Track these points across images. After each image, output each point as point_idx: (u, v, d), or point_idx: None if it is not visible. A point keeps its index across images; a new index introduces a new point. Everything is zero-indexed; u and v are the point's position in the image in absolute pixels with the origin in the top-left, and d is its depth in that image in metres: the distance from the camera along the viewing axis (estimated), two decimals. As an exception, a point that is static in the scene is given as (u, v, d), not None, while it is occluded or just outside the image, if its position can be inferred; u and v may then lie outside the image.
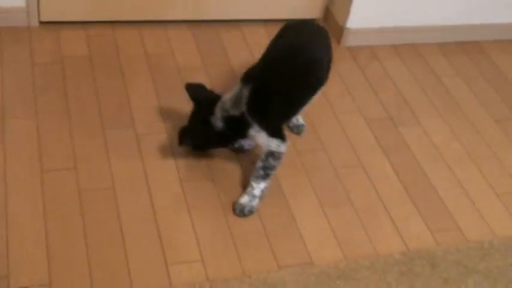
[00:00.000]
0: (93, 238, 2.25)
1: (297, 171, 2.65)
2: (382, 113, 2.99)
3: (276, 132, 2.38)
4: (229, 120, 2.38)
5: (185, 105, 2.80)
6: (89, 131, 2.62)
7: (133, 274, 2.18)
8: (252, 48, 3.20)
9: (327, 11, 3.45)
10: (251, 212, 2.43)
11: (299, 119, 2.76)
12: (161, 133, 2.67)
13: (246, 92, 2.33)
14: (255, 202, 2.43)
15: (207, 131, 2.43)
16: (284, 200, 2.53)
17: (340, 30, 3.33)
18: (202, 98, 2.50)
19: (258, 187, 2.43)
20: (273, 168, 2.41)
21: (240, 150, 2.64)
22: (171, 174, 2.53)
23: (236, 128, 2.40)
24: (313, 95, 2.54)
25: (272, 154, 2.39)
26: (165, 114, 2.75)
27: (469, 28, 3.56)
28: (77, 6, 3.06)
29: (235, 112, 2.36)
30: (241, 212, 2.42)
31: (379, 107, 3.00)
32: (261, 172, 2.41)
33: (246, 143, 2.61)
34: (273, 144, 2.37)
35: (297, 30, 2.56)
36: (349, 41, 3.32)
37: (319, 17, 3.46)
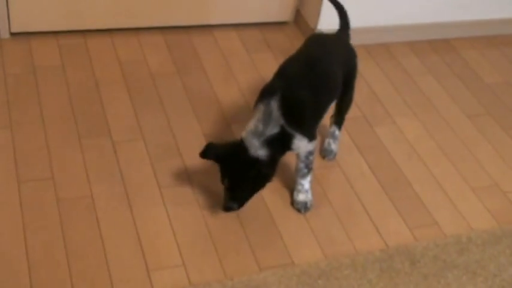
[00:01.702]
0: (73, 247, 2.25)
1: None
2: (357, 113, 3.01)
3: (313, 136, 2.42)
4: (270, 140, 2.31)
5: (160, 111, 2.80)
6: (64, 140, 2.61)
7: (115, 282, 2.17)
8: (224, 52, 3.21)
9: (298, 14, 3.47)
10: (311, 205, 2.55)
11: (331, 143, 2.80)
12: (137, 140, 2.67)
13: (274, 105, 2.30)
14: (310, 194, 2.55)
15: (256, 168, 2.31)
16: (262, 202, 2.54)
17: (311, 32, 3.35)
18: (225, 151, 2.35)
19: (306, 182, 2.53)
20: (312, 162, 2.50)
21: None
22: (149, 179, 2.53)
23: (280, 144, 2.35)
24: (332, 101, 2.59)
25: (310, 153, 2.46)
26: (141, 121, 2.75)
27: (438, 26, 3.60)
28: (47, 17, 3.04)
29: (273, 130, 2.30)
30: (305, 208, 2.54)
31: (353, 107, 3.01)
32: (305, 170, 2.51)
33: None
34: (310, 146, 2.43)
35: (317, 43, 2.62)
36: (321, 42, 3.34)
37: (290, 20, 3.48)
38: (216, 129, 2.79)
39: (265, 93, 2.37)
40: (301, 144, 2.39)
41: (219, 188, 2.52)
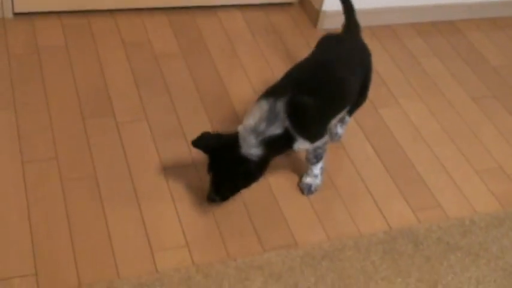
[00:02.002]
0: (77, 227, 2.25)
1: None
2: (361, 95, 3.00)
3: (320, 137, 2.39)
4: (270, 141, 2.24)
5: (164, 92, 2.80)
6: (68, 120, 2.61)
7: (119, 262, 2.18)
8: (228, 34, 3.20)
9: (303, -5, 3.46)
10: (316, 189, 2.54)
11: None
12: (141, 120, 2.67)
13: (281, 106, 2.24)
14: (319, 180, 2.55)
15: (244, 168, 2.26)
16: (266, 183, 2.54)
17: (316, 13, 3.33)
18: (217, 143, 2.29)
19: (317, 168, 2.52)
20: (322, 152, 2.48)
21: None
22: (153, 160, 2.53)
23: (281, 146, 2.31)
24: (345, 108, 2.56)
25: (318, 147, 2.44)
26: (144, 102, 2.75)
27: (443, 8, 3.58)
28: (51, -4, 3.04)
29: (275, 130, 2.24)
30: (309, 190, 2.54)
31: (358, 89, 3.02)
32: (314, 160, 2.49)
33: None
34: (318, 143, 2.40)
35: (332, 47, 2.56)
36: (326, 23, 3.33)
37: (295, 1, 3.47)
38: (220, 110, 2.78)
39: (273, 92, 2.31)
40: (302, 146, 2.36)
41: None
